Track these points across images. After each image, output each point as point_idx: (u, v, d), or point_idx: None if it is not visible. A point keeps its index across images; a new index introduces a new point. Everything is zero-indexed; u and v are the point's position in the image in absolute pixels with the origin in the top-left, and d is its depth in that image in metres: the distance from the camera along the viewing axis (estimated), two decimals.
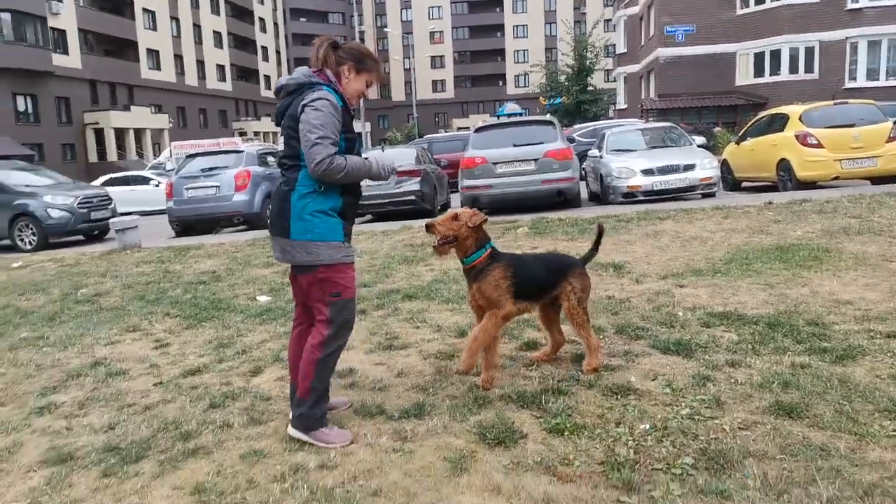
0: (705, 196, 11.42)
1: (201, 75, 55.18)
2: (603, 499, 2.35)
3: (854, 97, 16.50)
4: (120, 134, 42.90)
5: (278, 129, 3.07)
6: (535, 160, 10.94)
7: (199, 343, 4.81)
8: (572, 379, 3.45)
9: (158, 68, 49.22)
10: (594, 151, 13.18)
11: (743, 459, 2.54)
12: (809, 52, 29.28)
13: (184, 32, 52.76)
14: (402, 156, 12.76)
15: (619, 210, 10.01)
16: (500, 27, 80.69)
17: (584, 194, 12.98)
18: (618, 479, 2.45)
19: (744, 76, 31.06)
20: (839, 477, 2.37)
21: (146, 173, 23.61)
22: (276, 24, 72.16)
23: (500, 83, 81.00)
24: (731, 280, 5.33)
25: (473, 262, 3.41)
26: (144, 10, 47.66)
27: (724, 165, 13.41)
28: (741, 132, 13.83)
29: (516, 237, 8.35)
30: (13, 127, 35.52)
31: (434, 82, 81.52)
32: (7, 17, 34.93)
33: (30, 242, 12.63)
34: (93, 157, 41.63)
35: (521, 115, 16.06)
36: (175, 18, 51.53)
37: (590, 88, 39.96)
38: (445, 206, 13.88)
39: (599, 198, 12.44)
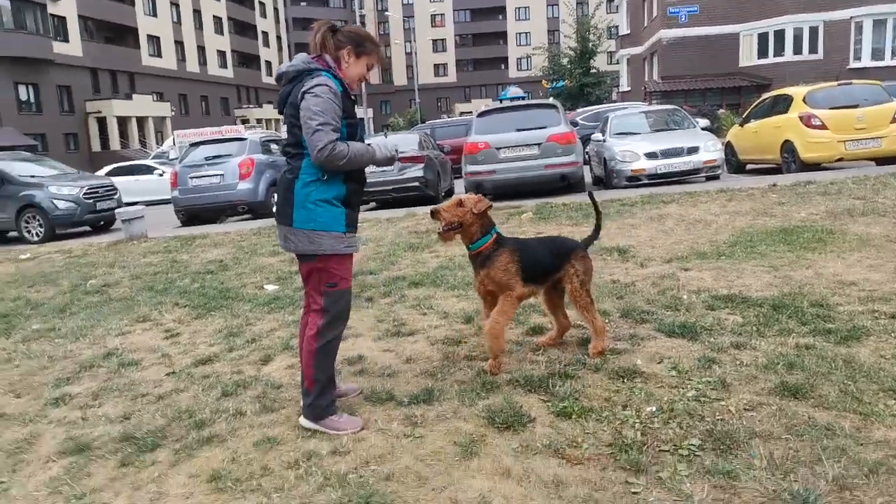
0: (709, 179, 11.41)
1: (202, 62, 54.93)
2: (611, 480, 2.40)
3: (859, 77, 16.37)
4: (122, 122, 42.83)
5: (280, 117, 3.08)
6: (539, 144, 10.89)
7: (209, 332, 4.86)
8: (579, 363, 3.49)
9: (159, 55, 48.99)
10: (597, 135, 13.12)
11: (749, 440, 2.57)
12: (813, 31, 29.01)
13: (184, 18, 52.43)
14: (406, 142, 12.70)
15: (623, 194, 10.00)
16: (502, 9, 79.94)
17: (587, 178, 12.96)
18: (625, 461, 2.49)
19: (747, 57, 30.83)
20: (844, 456, 2.40)
21: (150, 162, 23.64)
22: (276, 9, 71.67)
23: (503, 66, 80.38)
24: (735, 263, 5.35)
25: (479, 248, 3.43)
26: None
27: (728, 148, 13.35)
28: (745, 114, 13.76)
29: (521, 222, 8.37)
30: (16, 117, 35.47)
31: (436, 66, 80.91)
32: (7, 4, 34.70)
33: (37, 234, 12.66)
34: (96, 146, 41.59)
35: (523, 98, 16.04)
36: (175, 4, 51.20)
37: (592, 71, 39.78)
38: (450, 193, 13.86)
39: (603, 182, 12.43)
